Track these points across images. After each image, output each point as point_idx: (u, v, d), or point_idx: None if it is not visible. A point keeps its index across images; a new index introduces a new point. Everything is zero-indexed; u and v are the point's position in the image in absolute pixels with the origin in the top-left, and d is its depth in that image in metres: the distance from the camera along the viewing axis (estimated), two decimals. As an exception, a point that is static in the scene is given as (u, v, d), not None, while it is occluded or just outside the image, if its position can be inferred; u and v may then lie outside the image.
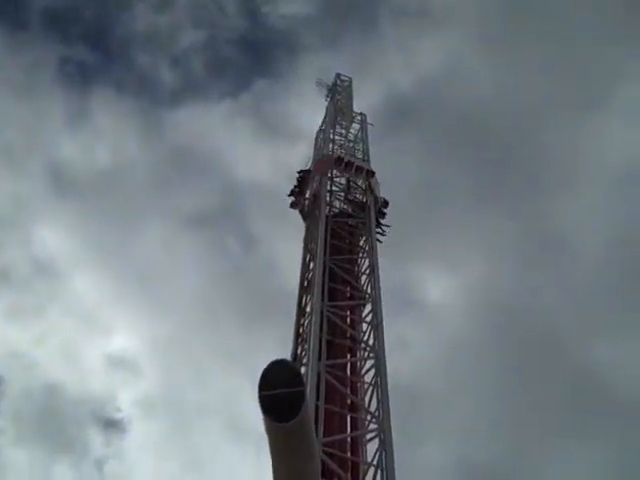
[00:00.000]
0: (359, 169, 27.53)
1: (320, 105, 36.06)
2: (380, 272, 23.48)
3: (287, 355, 20.58)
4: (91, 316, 53.35)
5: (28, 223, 56.87)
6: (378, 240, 25.35)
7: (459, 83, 56.15)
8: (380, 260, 24.23)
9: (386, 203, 27.40)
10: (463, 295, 49.58)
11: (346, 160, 27.72)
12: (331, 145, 30.06)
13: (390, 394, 19.52)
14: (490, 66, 57.30)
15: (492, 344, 44.99)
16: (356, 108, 34.73)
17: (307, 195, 27.55)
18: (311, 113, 38.99)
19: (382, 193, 27.53)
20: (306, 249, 24.68)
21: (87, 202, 57.16)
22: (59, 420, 49.57)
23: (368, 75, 55.03)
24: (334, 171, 28.53)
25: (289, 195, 27.88)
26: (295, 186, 27.90)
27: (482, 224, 50.23)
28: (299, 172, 28.16)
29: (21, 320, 53.39)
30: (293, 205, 27.83)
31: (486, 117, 54.60)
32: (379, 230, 26.27)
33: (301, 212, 27.53)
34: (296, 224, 27.56)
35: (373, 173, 27.65)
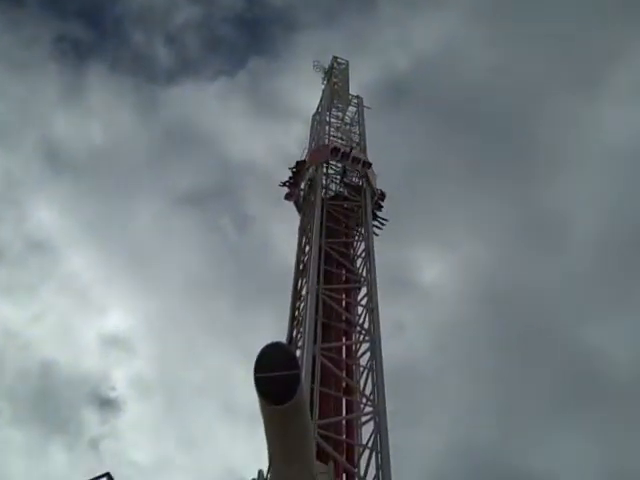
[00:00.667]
0: (356, 160, 27.10)
1: (316, 84, 35.84)
2: (375, 254, 23.41)
3: (282, 338, 20.59)
4: (85, 295, 53.26)
5: (22, 200, 56.60)
6: (375, 233, 25.04)
7: (456, 63, 55.95)
8: (375, 242, 24.23)
9: (383, 195, 27.07)
10: (457, 277, 49.64)
11: (342, 150, 27.33)
12: (327, 136, 29.54)
13: (384, 377, 19.56)
14: (488, 46, 57.18)
15: (485, 327, 45.25)
16: (352, 89, 34.64)
17: (302, 186, 27.27)
18: (308, 92, 38.74)
19: (377, 170, 27.40)
20: (302, 232, 24.57)
21: (81, 179, 57.07)
22: (54, 399, 49.34)
23: (365, 54, 54.83)
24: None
25: (283, 185, 27.62)
26: (290, 177, 27.64)
27: (477, 206, 50.12)
28: (292, 168, 27.76)
29: (15, 299, 53.05)
30: (288, 196, 27.48)
31: (484, 97, 54.37)
32: (376, 223, 26.02)
33: (296, 203, 27.20)
34: (292, 204, 27.51)
35: (370, 164, 27.17)
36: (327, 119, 30.84)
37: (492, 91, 54.72)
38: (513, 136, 50.98)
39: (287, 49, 65.66)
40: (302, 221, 25.64)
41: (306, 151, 28.76)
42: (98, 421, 51.85)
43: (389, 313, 23.94)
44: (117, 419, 51.46)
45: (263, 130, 57.31)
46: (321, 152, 27.58)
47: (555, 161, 50.03)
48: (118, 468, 42.68)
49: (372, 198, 26.18)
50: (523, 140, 50.41)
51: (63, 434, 48.68)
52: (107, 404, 52.91)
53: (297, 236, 24.78)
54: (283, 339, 21.09)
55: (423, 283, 47.23)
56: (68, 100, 61.46)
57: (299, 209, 26.92)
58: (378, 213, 26.72)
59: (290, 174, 27.76)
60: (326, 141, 28.72)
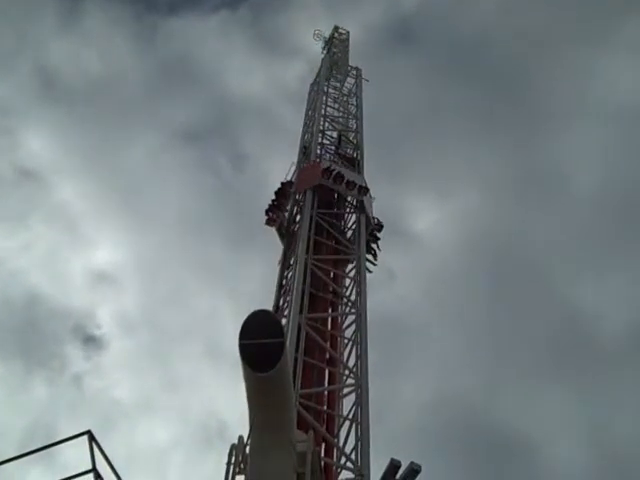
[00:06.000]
0: (351, 184, 23.76)
1: (320, 20, 35.09)
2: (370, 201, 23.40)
3: (269, 306, 20.65)
4: (75, 227, 52.57)
5: (13, 128, 55.41)
6: (368, 270, 22.41)
7: (463, 6, 55.06)
8: (370, 185, 24.06)
9: (380, 226, 24.25)
10: (452, 228, 49.41)
11: (336, 172, 23.80)
12: (322, 121, 27.99)
13: (372, 325, 19.85)
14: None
15: (478, 279, 45.06)
16: (357, 30, 34.01)
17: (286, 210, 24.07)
18: (310, 29, 37.99)
19: (377, 105, 26.30)
20: (294, 200, 24.14)
21: (75, 109, 55.93)
22: (38, 332, 48.88)
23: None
24: (325, 124, 28.33)
25: (266, 212, 24.20)
26: (273, 200, 24.30)
27: (476, 156, 49.81)
28: (276, 192, 24.38)
29: (3, 227, 52.15)
30: (269, 222, 24.08)
31: (489, 43, 53.67)
32: (369, 257, 23.28)
33: (278, 230, 23.92)
34: (289, 142, 26.33)
35: (367, 190, 24.05)
36: (325, 89, 30.67)
37: (499, 37, 53.82)
38: (518, 86, 50.39)
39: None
40: (284, 253, 22.97)
41: (300, 139, 27.50)
42: (82, 357, 51.87)
43: (380, 261, 23.83)
44: (101, 356, 51.26)
45: (263, 66, 56.67)
46: (311, 173, 24.18)
47: (557, 114, 49.45)
48: (100, 405, 42.97)
49: (367, 227, 23.29)
50: (525, 91, 49.91)
51: (45, 368, 48.46)
52: (91, 340, 52.87)
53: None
54: (271, 300, 21.23)
55: (417, 232, 46.74)
56: (65, 26, 60.37)
57: (282, 236, 23.77)
58: (373, 245, 23.82)
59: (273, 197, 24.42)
60: (321, 122, 27.86)
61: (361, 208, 23.52)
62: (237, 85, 55.09)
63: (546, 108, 48.82)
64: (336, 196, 24.29)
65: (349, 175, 24.11)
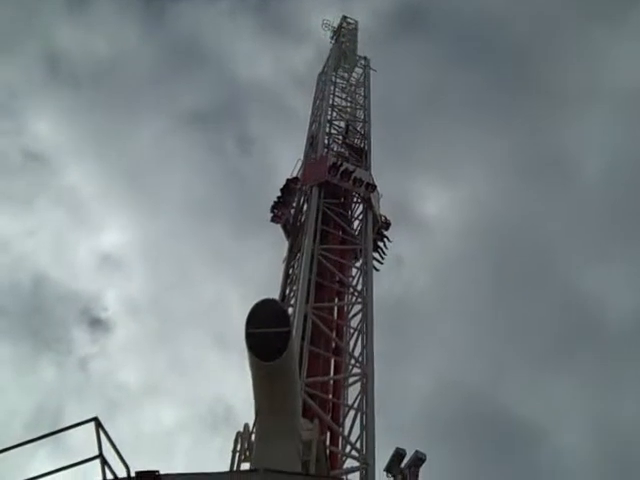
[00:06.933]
0: (358, 181, 23.36)
1: (329, 5, 34.75)
2: (377, 181, 23.44)
3: (276, 294, 20.70)
4: (82, 210, 51.92)
5: (20, 111, 54.92)
6: (375, 268, 22.35)
7: None
8: (378, 168, 24.12)
9: (387, 224, 23.95)
10: (460, 212, 49.06)
11: (343, 168, 23.32)
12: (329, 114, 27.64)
13: (379, 311, 20.01)
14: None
15: (485, 265, 44.83)
16: (368, 10, 33.78)
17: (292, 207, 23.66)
18: (319, 14, 37.68)
19: (385, 90, 25.91)
20: (299, 196, 23.79)
21: (82, 92, 55.47)
22: (45, 316, 48.81)
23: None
24: (333, 114, 28.28)
25: (272, 210, 23.75)
26: (278, 197, 23.83)
27: (485, 141, 49.46)
28: (281, 189, 23.85)
29: (10, 210, 51.29)
30: (275, 219, 23.69)
31: (499, 28, 53.10)
32: (376, 256, 23.03)
33: (284, 227, 23.52)
34: (297, 125, 25.99)
35: (374, 187, 23.67)
36: (333, 79, 30.62)
37: (508, 21, 53.13)
38: (526, 72, 49.79)
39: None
40: (290, 249, 22.53)
41: (306, 131, 27.09)
42: (88, 340, 51.42)
43: (388, 246, 23.66)
44: (107, 340, 50.84)
45: (271, 49, 55.93)
46: (317, 168, 23.69)
47: (569, 99, 48.95)
48: (106, 388, 43.00)
49: (374, 226, 23.05)
50: (535, 76, 49.23)
51: (53, 352, 48.27)
52: (98, 324, 51.78)
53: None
54: (278, 286, 21.25)
55: (424, 217, 46.18)
56: (73, 10, 59.39)
57: (287, 234, 23.42)
58: (379, 244, 23.56)
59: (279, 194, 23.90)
60: (329, 113, 27.75)
61: (368, 205, 23.29)
62: (245, 69, 54.64)
63: (557, 93, 48.31)
64: (343, 189, 23.92)
65: (356, 172, 23.62)
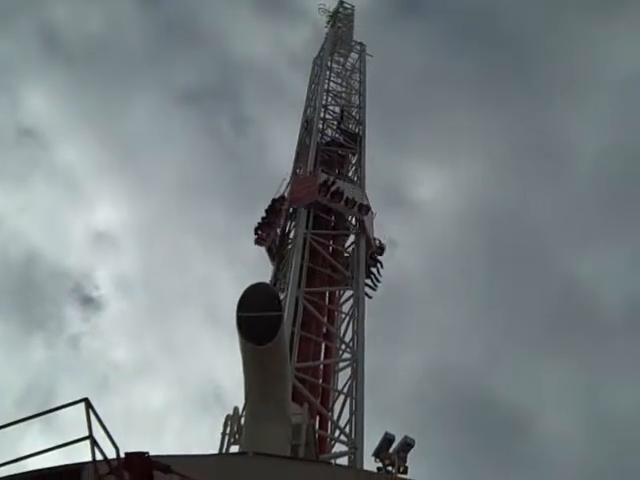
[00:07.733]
0: (351, 202, 21.76)
1: None
2: (372, 165, 23.37)
3: (267, 278, 20.69)
4: (75, 187, 51.91)
5: (14, 86, 54.16)
6: (367, 295, 20.98)
7: None
8: (373, 152, 23.89)
9: (381, 249, 22.42)
10: (454, 197, 49.18)
11: (334, 188, 21.59)
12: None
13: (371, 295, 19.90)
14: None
15: (478, 250, 44.95)
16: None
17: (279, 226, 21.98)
18: None
19: (381, 74, 25.17)
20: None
21: (77, 68, 55.16)
22: (37, 293, 48.41)
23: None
24: (328, 99, 28.18)
25: (256, 232, 22.23)
26: (263, 217, 22.28)
27: (481, 126, 49.20)
28: (266, 210, 22.28)
29: (3, 186, 51.65)
30: (259, 241, 22.10)
31: (498, 12, 52.80)
32: (369, 282, 21.59)
33: (269, 250, 21.93)
34: (292, 107, 25.57)
35: (368, 209, 22.02)
36: (328, 64, 30.47)
37: (507, 8, 52.89)
38: (523, 58, 49.67)
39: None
40: (275, 275, 21.12)
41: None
42: (80, 318, 51.58)
43: (382, 230, 23.36)
44: (99, 318, 50.81)
45: (268, 29, 55.55)
46: (306, 186, 22.06)
47: (563, 85, 48.91)
48: (97, 367, 42.90)
49: (367, 251, 21.57)
50: (533, 62, 49.15)
51: (44, 329, 48.65)
52: (89, 302, 52.05)
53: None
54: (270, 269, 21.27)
55: (418, 201, 46.29)
56: None
57: (272, 257, 21.80)
58: (373, 270, 22.05)
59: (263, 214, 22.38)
60: (324, 97, 27.63)
61: (361, 229, 21.82)
62: (240, 48, 54.11)
63: (553, 80, 48.35)
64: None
65: (349, 191, 22.02)
